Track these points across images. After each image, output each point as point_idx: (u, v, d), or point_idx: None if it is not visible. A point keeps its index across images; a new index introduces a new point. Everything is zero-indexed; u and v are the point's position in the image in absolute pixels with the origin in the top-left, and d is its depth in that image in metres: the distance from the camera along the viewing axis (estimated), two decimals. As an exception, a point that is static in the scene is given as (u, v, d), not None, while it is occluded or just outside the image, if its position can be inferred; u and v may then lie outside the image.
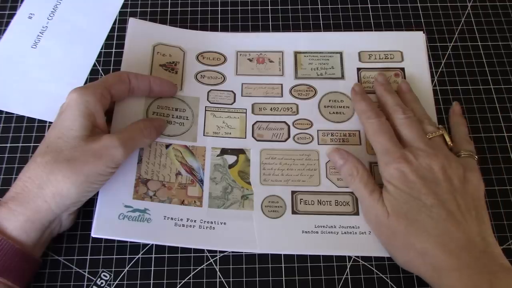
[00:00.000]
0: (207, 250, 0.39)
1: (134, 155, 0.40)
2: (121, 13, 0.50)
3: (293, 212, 0.39)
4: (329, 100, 0.44)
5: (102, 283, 0.38)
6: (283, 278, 0.38)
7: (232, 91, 0.44)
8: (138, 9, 0.50)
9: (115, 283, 0.38)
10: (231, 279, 0.38)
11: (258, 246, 0.38)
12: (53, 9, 0.50)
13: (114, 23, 0.49)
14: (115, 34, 0.48)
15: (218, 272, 0.38)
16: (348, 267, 0.38)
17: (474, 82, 0.46)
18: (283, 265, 0.38)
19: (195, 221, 0.39)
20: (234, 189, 0.40)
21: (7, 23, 0.49)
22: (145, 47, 0.45)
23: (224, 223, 0.39)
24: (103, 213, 0.38)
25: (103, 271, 0.38)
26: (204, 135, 0.42)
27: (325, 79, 0.45)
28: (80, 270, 0.38)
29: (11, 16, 0.49)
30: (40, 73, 0.46)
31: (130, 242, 0.39)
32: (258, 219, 0.39)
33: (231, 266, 0.38)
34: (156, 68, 0.44)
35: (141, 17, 0.49)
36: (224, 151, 0.42)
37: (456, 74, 0.46)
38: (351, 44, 0.46)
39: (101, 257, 0.39)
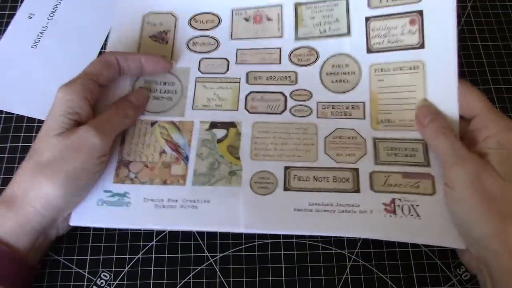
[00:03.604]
0: (205, 249, 0.39)
1: (116, 137, 0.38)
2: (121, 13, 0.50)
3: (285, 189, 0.36)
4: (332, 66, 0.40)
5: (102, 283, 0.38)
6: (283, 278, 0.38)
7: (225, 59, 0.41)
8: (138, 9, 0.50)
9: (115, 283, 0.38)
10: (231, 279, 0.38)
11: (243, 225, 0.35)
12: (53, 9, 0.50)
13: (114, 23, 0.49)
14: (115, 34, 0.48)
15: (218, 272, 0.38)
16: (348, 267, 0.38)
17: (474, 82, 0.46)
18: (283, 265, 0.38)
19: (176, 201, 0.36)
20: (222, 165, 0.37)
21: (7, 23, 0.49)
22: (135, 19, 0.42)
23: (208, 201, 0.36)
24: (82, 201, 0.36)
25: (103, 271, 0.38)
26: (192, 109, 0.39)
27: (329, 38, 0.40)
28: (80, 270, 0.38)
29: (11, 16, 0.49)
30: (40, 73, 0.46)
31: (106, 228, 0.38)
32: (246, 196, 0.36)
33: (231, 266, 0.38)
34: (145, 40, 0.42)
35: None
36: (213, 125, 0.39)
37: (456, 74, 0.46)
38: None
39: (101, 257, 0.39)
